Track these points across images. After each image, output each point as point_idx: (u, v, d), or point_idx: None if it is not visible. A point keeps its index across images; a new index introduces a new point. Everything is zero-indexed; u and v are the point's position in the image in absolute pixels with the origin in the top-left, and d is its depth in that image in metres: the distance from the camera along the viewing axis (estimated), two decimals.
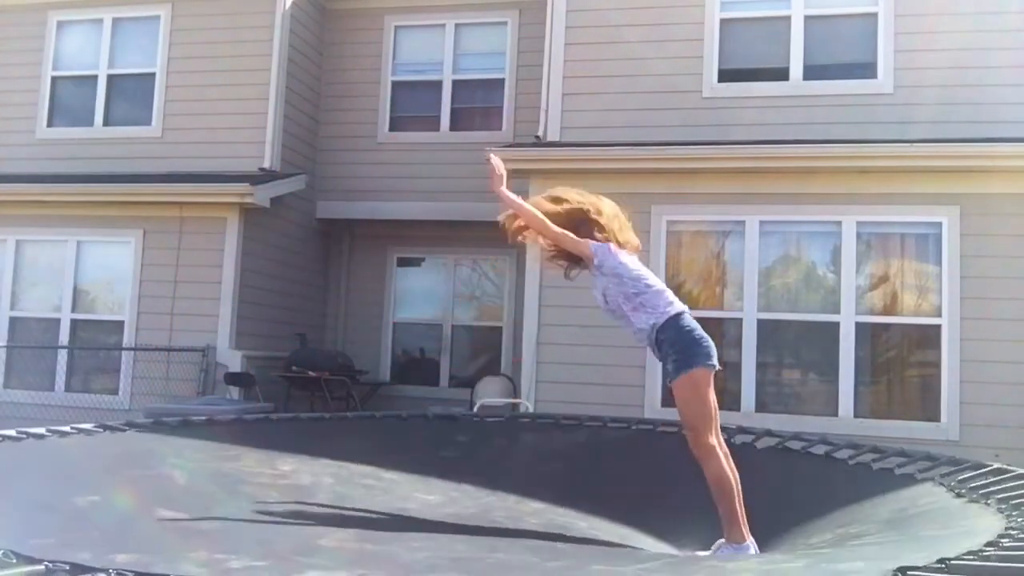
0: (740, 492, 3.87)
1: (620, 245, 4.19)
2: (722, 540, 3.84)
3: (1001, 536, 2.91)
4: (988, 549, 2.65)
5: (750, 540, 3.80)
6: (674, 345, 4.00)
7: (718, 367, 4.03)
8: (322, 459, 4.89)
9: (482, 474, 5.16)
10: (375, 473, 4.82)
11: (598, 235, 4.17)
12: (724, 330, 8.85)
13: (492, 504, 4.44)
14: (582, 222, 4.19)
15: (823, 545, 3.47)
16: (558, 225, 4.13)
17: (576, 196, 4.28)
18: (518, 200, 4.21)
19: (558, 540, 3.58)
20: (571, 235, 4.13)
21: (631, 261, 4.17)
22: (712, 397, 3.97)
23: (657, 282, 4.18)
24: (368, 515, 3.68)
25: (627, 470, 5.09)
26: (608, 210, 4.26)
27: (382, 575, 2.43)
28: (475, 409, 9.52)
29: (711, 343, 4.04)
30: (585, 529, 3.81)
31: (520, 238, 4.31)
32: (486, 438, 5.85)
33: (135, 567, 2.33)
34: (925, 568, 2.47)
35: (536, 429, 6.11)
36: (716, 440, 3.93)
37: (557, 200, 4.26)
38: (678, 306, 4.13)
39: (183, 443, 5.21)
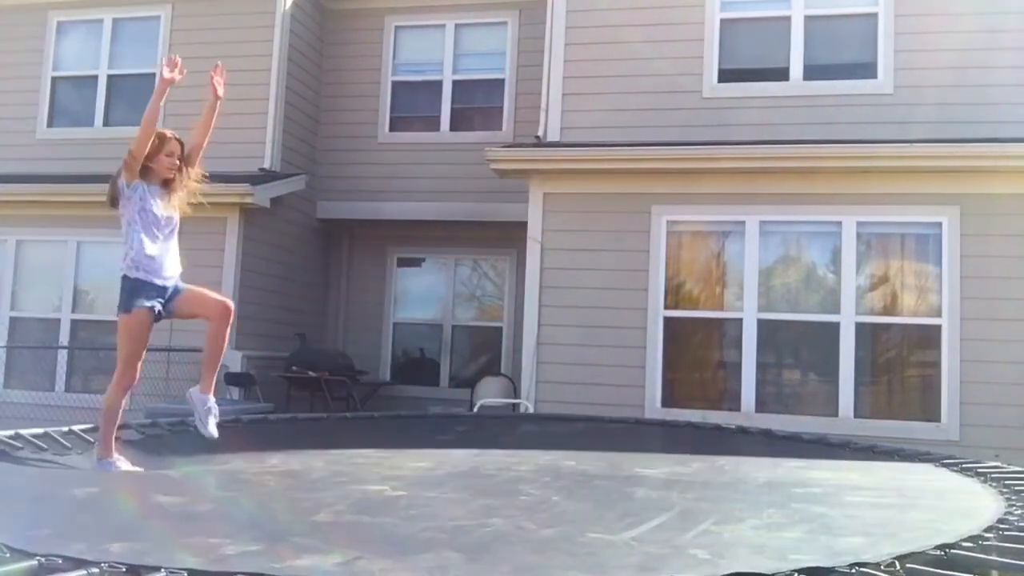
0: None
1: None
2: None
3: (1000, 521, 2.91)
4: (987, 535, 2.65)
5: (116, 457, 4.36)
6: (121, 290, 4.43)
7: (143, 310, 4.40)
8: (314, 445, 4.92)
9: (471, 441, 5.20)
10: (366, 453, 4.85)
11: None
12: (724, 330, 8.86)
13: (483, 464, 4.46)
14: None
15: (820, 500, 3.49)
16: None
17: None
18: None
19: (552, 492, 3.59)
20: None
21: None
22: (142, 339, 4.46)
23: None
24: (361, 485, 3.68)
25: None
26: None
27: (377, 557, 2.42)
28: (475, 409, 9.51)
29: (144, 297, 4.42)
30: (578, 490, 3.83)
31: None
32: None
33: (129, 557, 2.32)
34: (924, 556, 2.46)
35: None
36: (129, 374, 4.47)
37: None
38: (133, 258, 4.47)
39: (178, 438, 5.22)
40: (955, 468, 4.33)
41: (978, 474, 4.07)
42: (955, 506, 3.44)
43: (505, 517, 3.04)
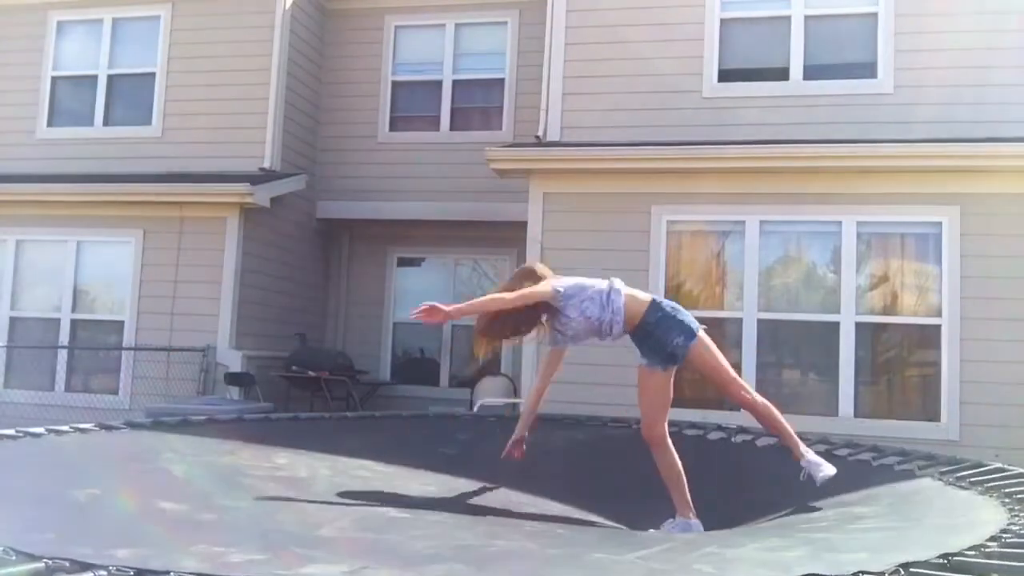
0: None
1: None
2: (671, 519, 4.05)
3: (1003, 531, 2.91)
4: (990, 544, 2.65)
5: (695, 518, 4.06)
6: (668, 332, 4.29)
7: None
8: (318, 453, 4.90)
9: (479, 464, 5.17)
10: (371, 466, 4.82)
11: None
12: (724, 330, 8.85)
13: (490, 490, 4.44)
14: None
15: (823, 528, 3.48)
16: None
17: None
18: (463, 305, 4.28)
19: (557, 526, 3.59)
20: (526, 289, 4.33)
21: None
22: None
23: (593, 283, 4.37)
24: (366, 504, 3.68)
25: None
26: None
27: (383, 567, 2.43)
28: (475, 409, 9.52)
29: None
30: (584, 515, 3.82)
31: (490, 347, 4.52)
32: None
33: (135, 561, 2.33)
34: (928, 564, 2.47)
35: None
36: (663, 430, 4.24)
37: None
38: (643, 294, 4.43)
39: (181, 440, 5.21)
40: (957, 478, 4.30)
41: (980, 484, 4.05)
42: (959, 521, 3.42)
43: (511, 540, 3.05)
